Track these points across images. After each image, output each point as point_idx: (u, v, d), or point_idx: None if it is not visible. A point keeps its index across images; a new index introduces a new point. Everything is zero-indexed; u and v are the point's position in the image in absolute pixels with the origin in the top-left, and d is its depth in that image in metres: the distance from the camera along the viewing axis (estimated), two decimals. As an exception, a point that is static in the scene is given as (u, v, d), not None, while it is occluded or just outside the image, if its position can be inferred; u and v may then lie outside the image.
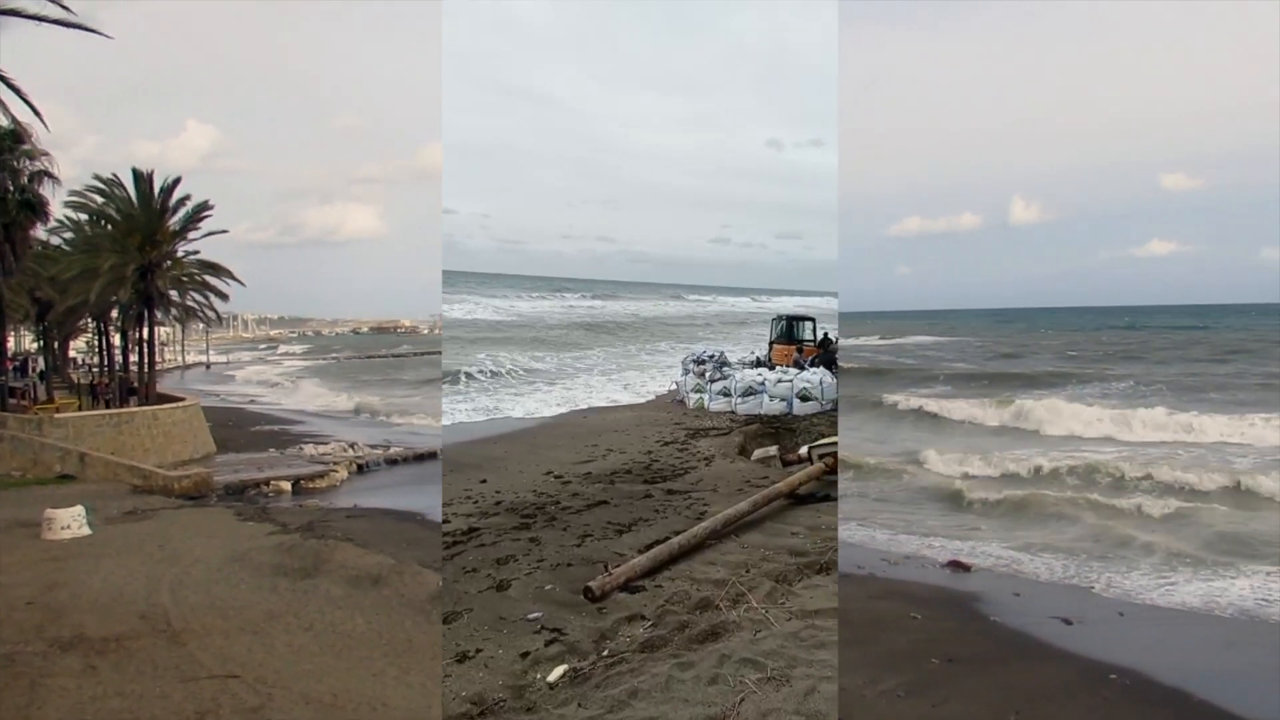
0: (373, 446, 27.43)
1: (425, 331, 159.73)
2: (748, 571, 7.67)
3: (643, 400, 25.30)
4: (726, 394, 21.11)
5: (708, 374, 22.00)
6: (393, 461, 25.67)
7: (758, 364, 23.63)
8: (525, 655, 6.35)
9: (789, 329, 25.98)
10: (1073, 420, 24.04)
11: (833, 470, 10.89)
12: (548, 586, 7.82)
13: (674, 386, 23.18)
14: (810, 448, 11.62)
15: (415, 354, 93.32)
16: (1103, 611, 10.87)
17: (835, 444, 11.29)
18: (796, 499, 10.22)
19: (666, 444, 16.74)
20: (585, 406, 24.01)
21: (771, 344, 25.58)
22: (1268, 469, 17.72)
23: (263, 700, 7.96)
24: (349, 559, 12.98)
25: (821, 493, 10.50)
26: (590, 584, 7.42)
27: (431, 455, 26.87)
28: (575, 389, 27.84)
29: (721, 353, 23.69)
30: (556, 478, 13.36)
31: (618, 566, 7.76)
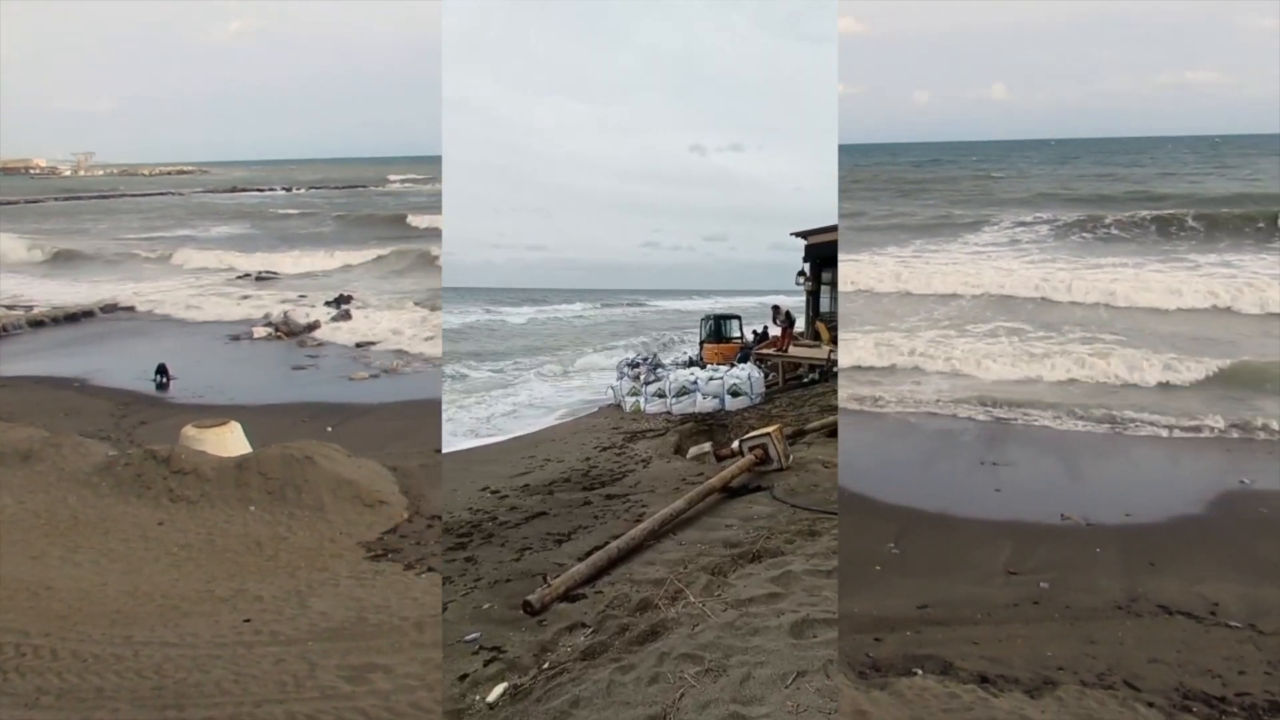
0: (9, 308, 23.83)
1: (67, 172, 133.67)
2: (685, 568, 7.70)
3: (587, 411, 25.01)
4: (661, 395, 21.24)
5: (642, 377, 22.11)
6: (38, 324, 22.30)
7: (690, 364, 23.87)
8: (463, 678, 6.26)
9: (717, 328, 26.33)
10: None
11: (762, 461, 11.05)
12: (485, 605, 7.72)
13: (609, 391, 23.22)
14: (741, 441, 11.77)
15: (57, 198, 78.18)
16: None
17: (766, 435, 11.44)
18: (730, 492, 10.34)
19: (604, 449, 16.75)
20: (527, 420, 23.64)
21: (702, 343, 25.87)
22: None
23: (-114, 602, 6.98)
24: (-12, 435, 11.29)
25: (753, 484, 10.64)
26: (529, 598, 7.35)
27: (87, 315, 23.36)
28: (520, 405, 27.18)
29: (654, 355, 23.87)
30: (493, 493, 13.21)
31: (557, 577, 7.71)
